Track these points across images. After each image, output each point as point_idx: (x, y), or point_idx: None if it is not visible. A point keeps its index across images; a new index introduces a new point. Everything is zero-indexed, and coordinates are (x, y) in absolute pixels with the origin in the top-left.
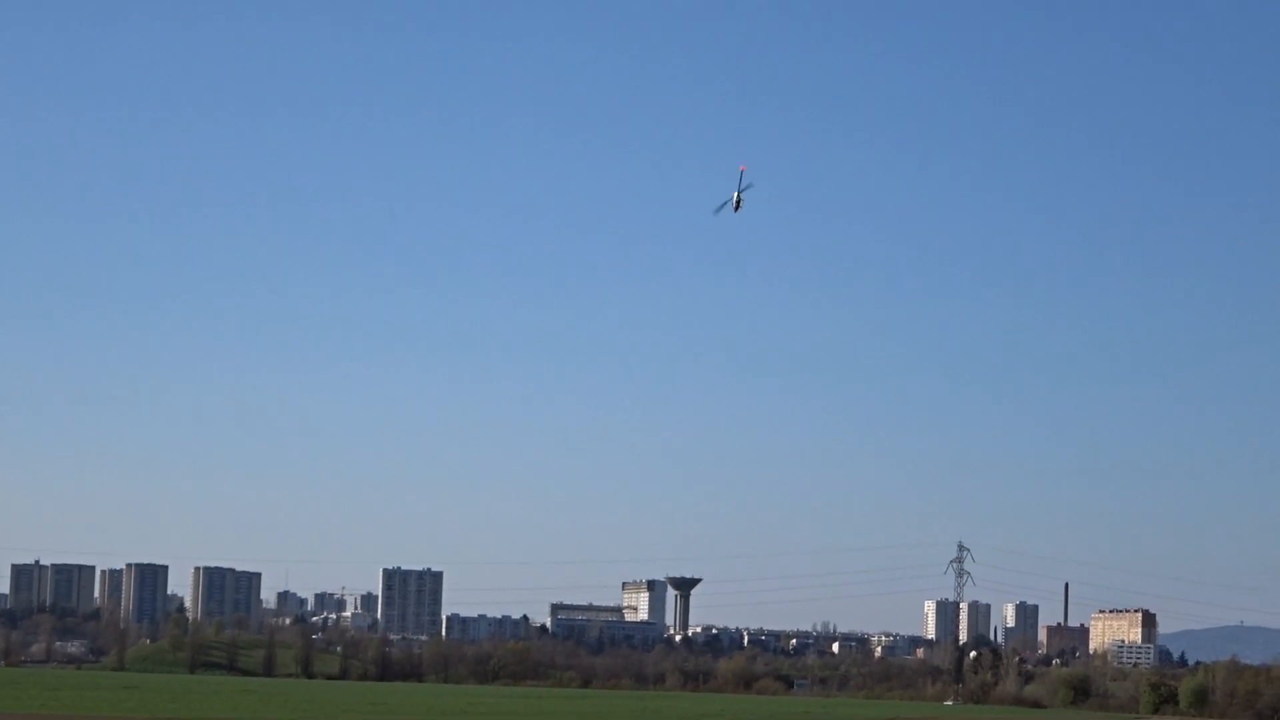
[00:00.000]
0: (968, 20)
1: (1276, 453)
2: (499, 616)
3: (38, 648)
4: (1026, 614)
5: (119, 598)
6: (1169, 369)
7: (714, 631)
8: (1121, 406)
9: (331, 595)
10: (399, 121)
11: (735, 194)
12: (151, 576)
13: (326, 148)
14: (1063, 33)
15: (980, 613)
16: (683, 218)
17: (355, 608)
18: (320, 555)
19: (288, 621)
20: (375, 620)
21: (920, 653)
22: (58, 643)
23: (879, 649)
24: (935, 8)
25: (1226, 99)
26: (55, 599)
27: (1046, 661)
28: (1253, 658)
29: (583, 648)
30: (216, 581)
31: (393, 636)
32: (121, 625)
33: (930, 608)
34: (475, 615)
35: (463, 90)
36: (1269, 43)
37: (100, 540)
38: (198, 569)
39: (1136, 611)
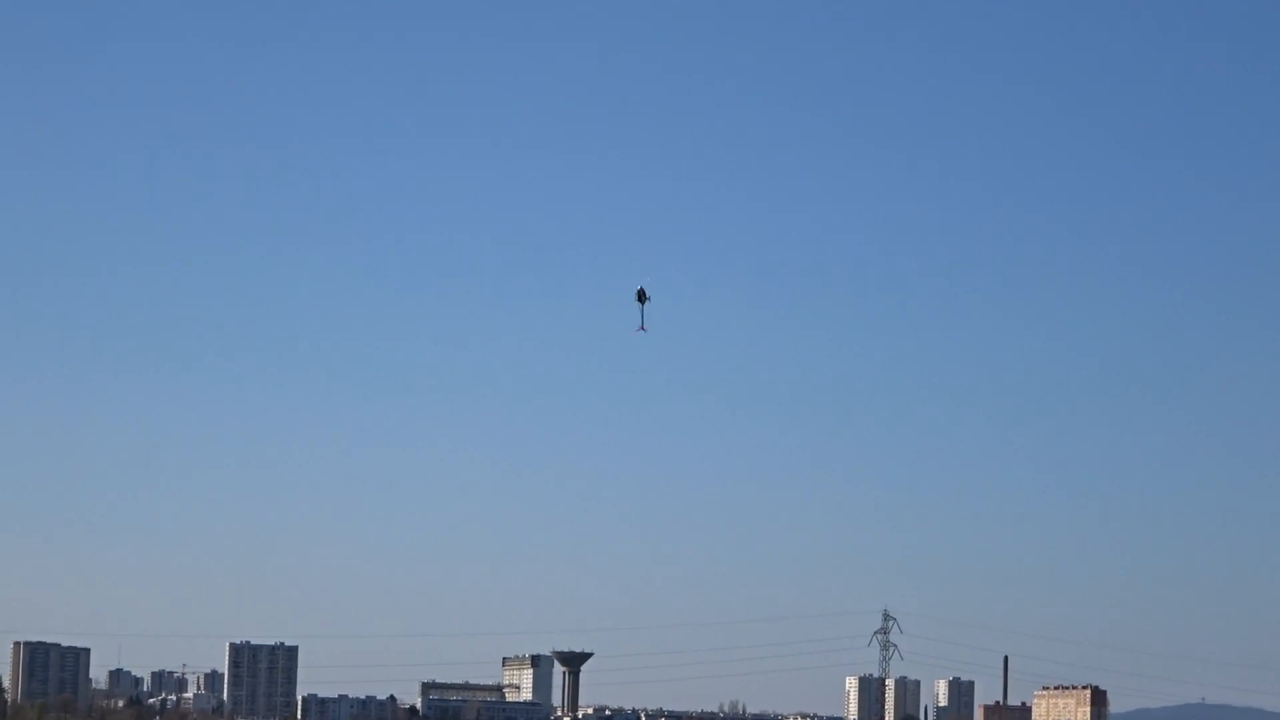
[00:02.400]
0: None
1: (1238, 514)
2: (362, 697)
3: None
4: (961, 691)
5: None
6: (1120, 421)
7: (607, 712)
8: (1067, 459)
9: (171, 674)
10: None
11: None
12: None
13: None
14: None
15: (909, 690)
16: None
17: (198, 688)
18: (158, 628)
19: (121, 704)
20: (221, 702)
21: None
22: None
23: None
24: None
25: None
26: None
27: None
28: None
29: None
30: (39, 658)
31: None
32: None
33: (852, 684)
34: (335, 695)
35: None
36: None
37: None
38: (17, 644)
39: (1085, 688)
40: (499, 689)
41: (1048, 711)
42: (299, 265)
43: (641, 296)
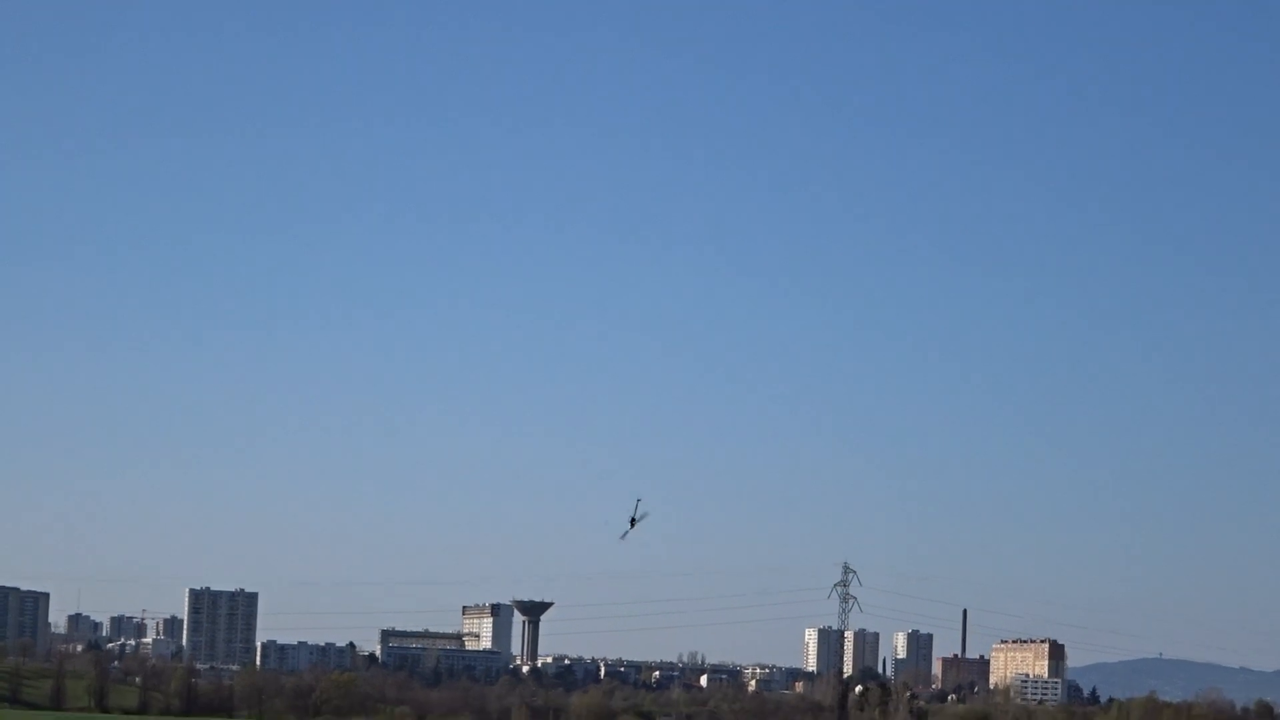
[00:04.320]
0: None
1: (1195, 472)
2: (321, 644)
3: None
4: (919, 644)
5: None
6: (1081, 380)
7: (566, 662)
8: (1027, 416)
9: (130, 619)
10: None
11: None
12: None
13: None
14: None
15: (867, 642)
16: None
17: (157, 633)
18: (118, 574)
19: (80, 648)
20: (180, 648)
21: (799, 687)
22: None
23: (753, 682)
24: None
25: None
26: None
27: (941, 697)
28: (1172, 694)
29: (417, 679)
30: None
31: (200, 666)
32: None
33: (811, 637)
34: (294, 642)
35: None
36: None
37: None
38: None
39: (1043, 642)
40: (459, 637)
41: (1006, 665)
42: (263, 229)
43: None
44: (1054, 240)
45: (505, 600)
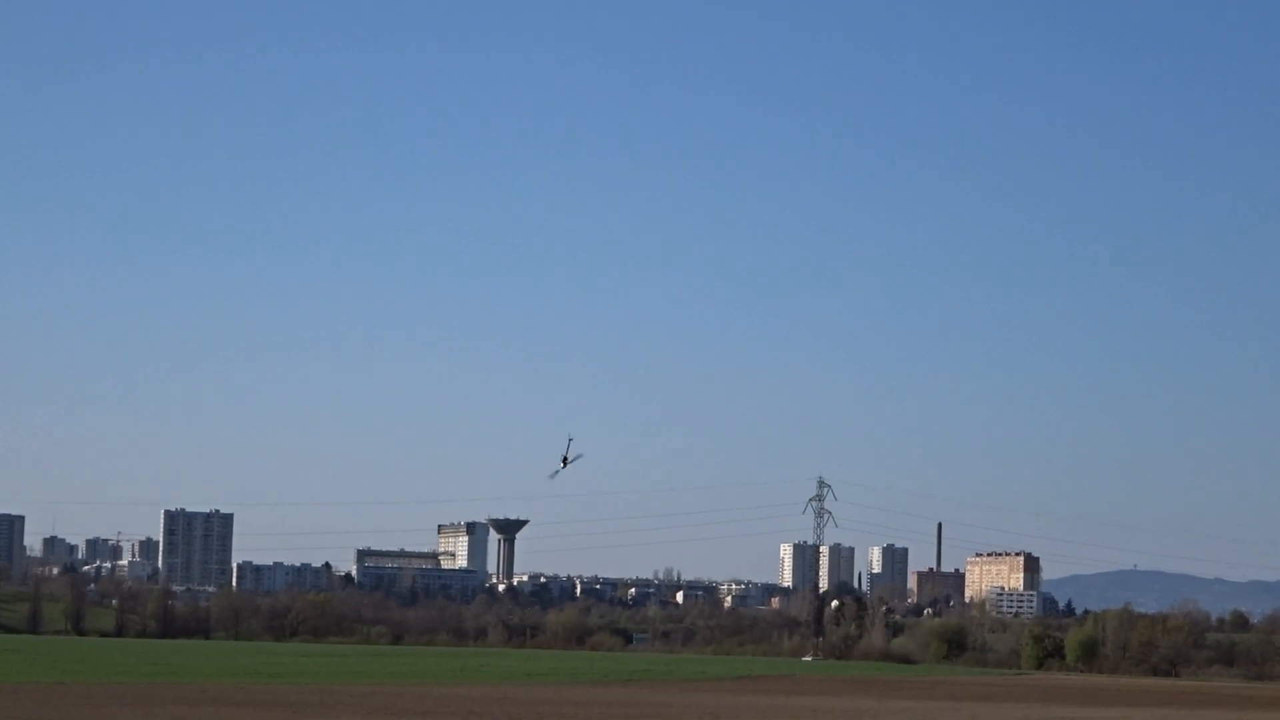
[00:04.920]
0: None
1: (1170, 380)
2: (297, 565)
3: None
4: (894, 558)
5: None
6: (1055, 289)
7: (542, 580)
8: (999, 326)
9: (105, 541)
10: None
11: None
12: None
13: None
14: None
15: (843, 557)
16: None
17: (132, 555)
18: (92, 495)
19: (55, 571)
20: (155, 569)
21: (775, 602)
22: None
23: (729, 599)
24: None
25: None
26: None
27: (917, 611)
28: (1147, 605)
29: (393, 599)
30: None
31: (176, 588)
32: None
33: (786, 552)
34: (270, 563)
35: None
36: None
37: None
38: None
39: (1017, 555)
40: (434, 556)
41: (981, 578)
42: (239, 146)
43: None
44: (1027, 145)
45: (480, 519)
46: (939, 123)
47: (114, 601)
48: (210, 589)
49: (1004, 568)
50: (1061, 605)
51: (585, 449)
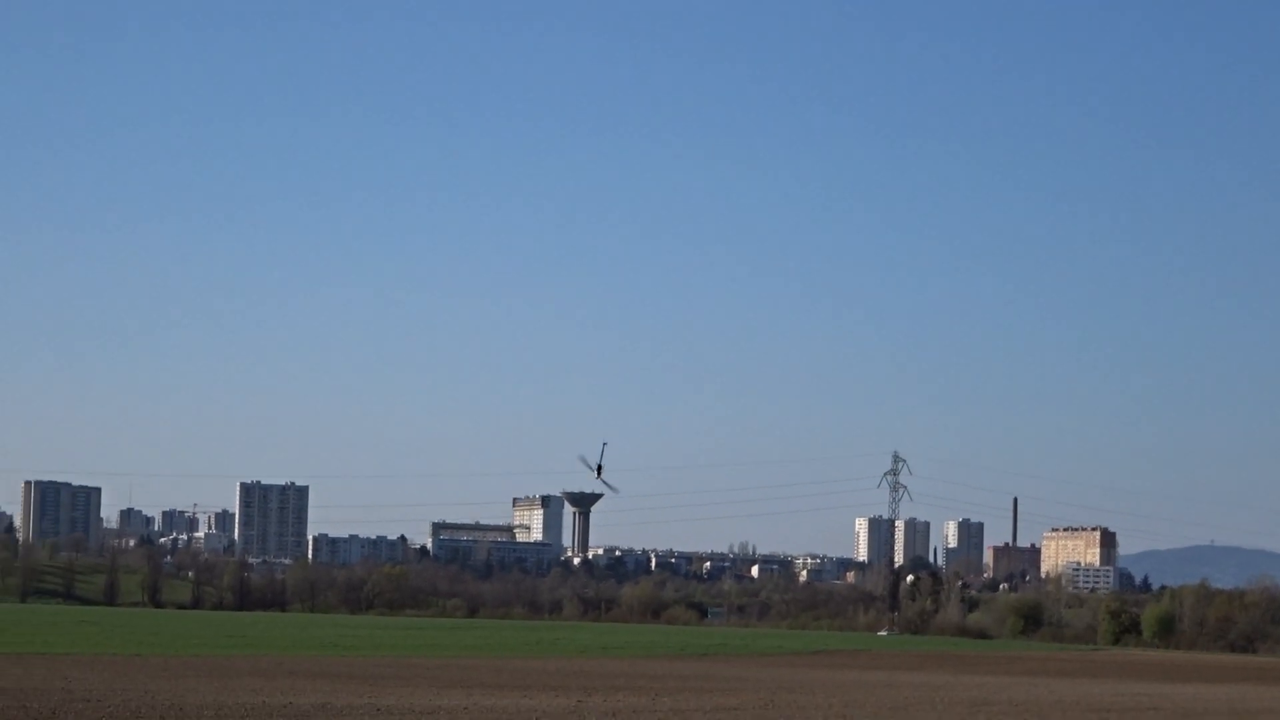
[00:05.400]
0: None
1: (1247, 357)
2: (373, 537)
3: None
4: (970, 533)
5: None
6: (1130, 265)
7: (617, 554)
8: (1076, 300)
9: (182, 513)
10: None
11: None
12: None
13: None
14: None
15: (918, 532)
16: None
17: (209, 527)
18: (169, 468)
19: (132, 543)
20: (232, 542)
21: (850, 577)
22: None
23: (804, 573)
24: None
25: None
26: None
27: (993, 586)
28: (1224, 581)
29: (468, 572)
30: (50, 497)
31: (252, 560)
32: None
33: (862, 526)
34: (346, 536)
35: None
36: None
37: None
38: (28, 483)
39: (1094, 530)
40: (509, 529)
41: (1056, 553)
42: (311, 116)
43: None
44: (1098, 134)
45: (555, 492)
46: (1005, 100)
47: (190, 574)
48: (286, 561)
49: (1080, 543)
50: (1138, 581)
51: (661, 423)
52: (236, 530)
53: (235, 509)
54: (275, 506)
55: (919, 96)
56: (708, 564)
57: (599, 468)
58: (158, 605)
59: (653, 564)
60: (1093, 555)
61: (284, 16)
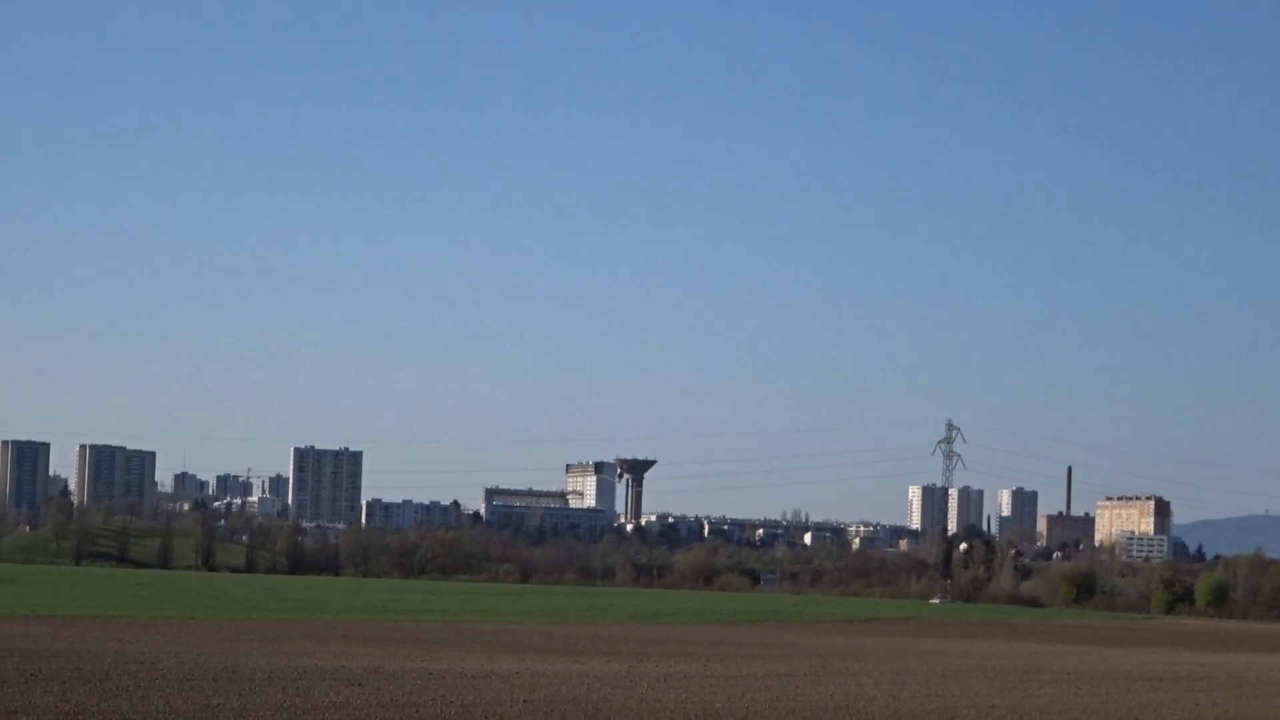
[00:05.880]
0: None
1: None
2: (426, 502)
3: None
4: (1024, 501)
5: None
6: (1181, 232)
7: (670, 520)
8: (1130, 266)
9: (236, 477)
10: None
11: None
12: (31, 455)
13: None
14: None
15: (972, 500)
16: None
17: (263, 492)
18: (223, 432)
19: (186, 507)
20: (285, 506)
21: (903, 545)
22: None
23: (857, 540)
24: None
25: None
26: None
27: (1046, 555)
28: (1278, 551)
29: (521, 538)
30: (105, 461)
31: (305, 524)
32: None
33: (915, 494)
34: (399, 501)
35: None
36: None
37: None
38: (83, 447)
39: (1148, 499)
40: (562, 495)
41: (1111, 522)
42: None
43: None
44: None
45: (609, 458)
46: (1052, 64)
47: (244, 538)
48: (339, 526)
49: (1134, 512)
50: (1192, 550)
51: (714, 389)
52: (290, 495)
53: (289, 473)
54: (329, 471)
55: (986, 50)
56: (760, 531)
57: None
58: (211, 569)
59: (705, 531)
60: (1147, 524)
61: None
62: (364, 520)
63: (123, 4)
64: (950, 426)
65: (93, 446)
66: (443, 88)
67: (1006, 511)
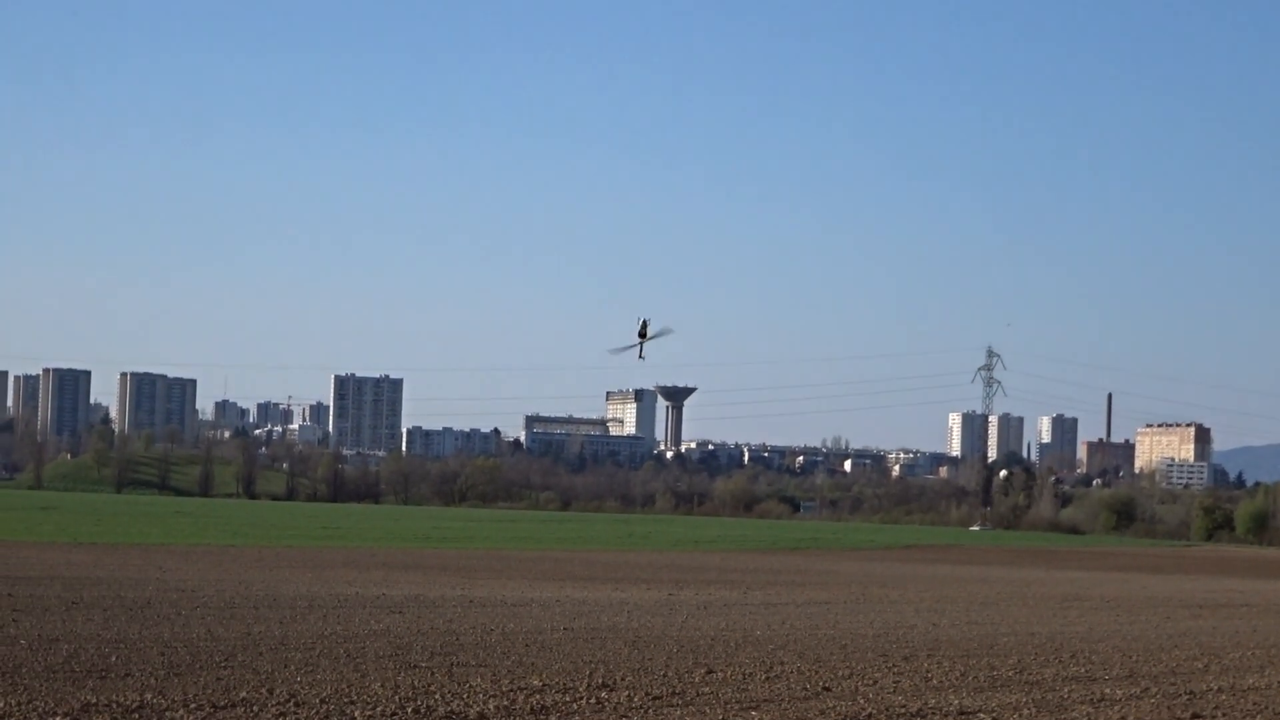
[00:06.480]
0: None
1: None
2: (466, 430)
3: None
4: (1064, 428)
5: (35, 406)
6: (1222, 158)
7: (710, 447)
8: (1170, 192)
9: (276, 405)
10: None
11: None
12: (72, 383)
13: None
14: None
15: (1012, 427)
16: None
17: (303, 419)
18: (263, 360)
19: (227, 435)
20: (326, 434)
21: (943, 472)
22: None
23: (897, 468)
24: None
25: None
26: None
27: (1086, 482)
28: None
29: (561, 465)
30: (146, 389)
31: (346, 452)
32: (38, 438)
33: (955, 421)
34: (439, 428)
35: None
36: None
37: (14, 342)
38: (124, 375)
39: (1188, 426)
40: (602, 423)
41: (1151, 449)
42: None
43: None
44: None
45: (649, 385)
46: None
47: (284, 465)
48: (380, 454)
49: (1174, 439)
50: (1232, 477)
51: (754, 316)
52: (331, 422)
53: (330, 401)
54: (369, 399)
55: None
56: (800, 458)
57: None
58: (252, 496)
59: (745, 458)
60: (1187, 451)
61: None
62: (404, 448)
63: None
64: (990, 353)
65: (134, 374)
66: (489, 6)
67: (1046, 438)
